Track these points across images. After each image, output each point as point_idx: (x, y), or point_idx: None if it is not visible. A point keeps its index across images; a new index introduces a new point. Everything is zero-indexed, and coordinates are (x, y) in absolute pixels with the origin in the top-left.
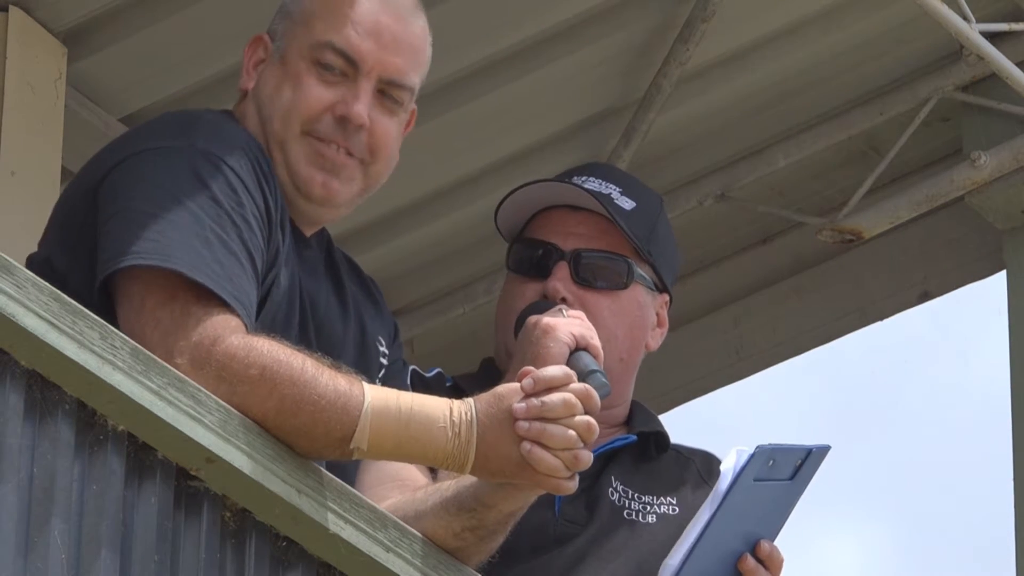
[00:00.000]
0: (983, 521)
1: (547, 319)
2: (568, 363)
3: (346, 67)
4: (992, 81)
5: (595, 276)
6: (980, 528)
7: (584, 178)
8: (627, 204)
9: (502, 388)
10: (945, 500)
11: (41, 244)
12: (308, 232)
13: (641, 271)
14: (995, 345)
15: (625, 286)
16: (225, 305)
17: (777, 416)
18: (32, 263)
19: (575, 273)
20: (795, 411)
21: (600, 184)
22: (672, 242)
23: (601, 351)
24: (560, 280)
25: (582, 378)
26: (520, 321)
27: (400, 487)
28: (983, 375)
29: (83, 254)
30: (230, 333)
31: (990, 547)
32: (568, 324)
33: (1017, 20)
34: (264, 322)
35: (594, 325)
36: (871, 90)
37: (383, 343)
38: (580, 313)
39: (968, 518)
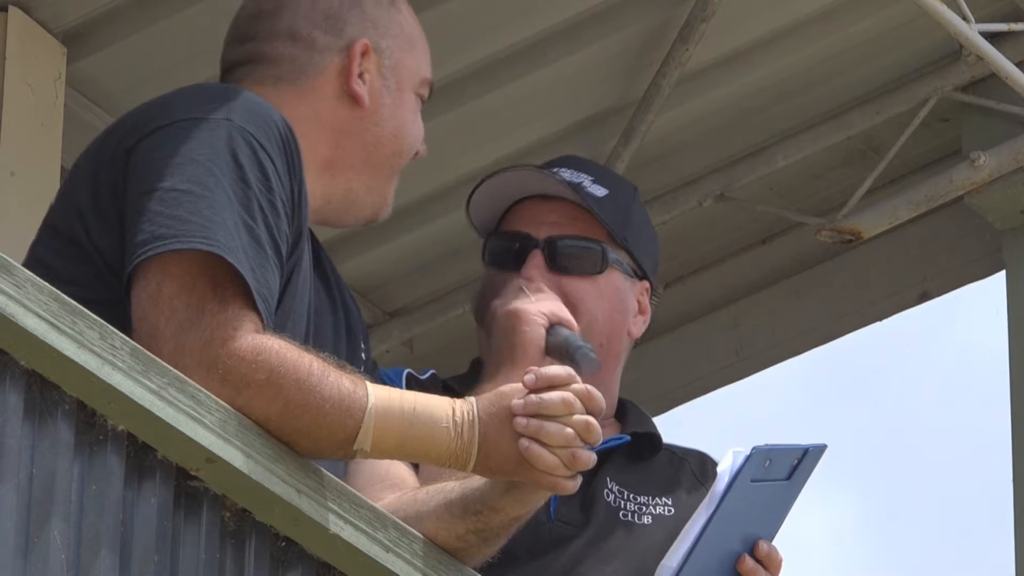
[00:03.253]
0: (964, 509)
1: (514, 304)
2: (548, 342)
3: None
4: (991, 81)
5: (570, 262)
6: (959, 515)
7: (556, 169)
8: (599, 191)
9: (505, 387)
10: (925, 484)
11: (64, 202)
12: None
13: (617, 256)
14: (993, 345)
15: (601, 271)
16: (243, 298)
17: (761, 390)
18: (56, 218)
19: (549, 260)
20: (781, 383)
21: (571, 173)
22: (650, 230)
23: (575, 323)
24: (535, 268)
25: (570, 354)
26: (480, 310)
27: (391, 487)
28: (980, 374)
29: (113, 217)
30: (242, 333)
31: (967, 531)
32: (537, 304)
33: (1016, 20)
34: (284, 308)
35: (573, 309)
36: (870, 90)
37: (363, 341)
38: (540, 285)
39: (950, 509)
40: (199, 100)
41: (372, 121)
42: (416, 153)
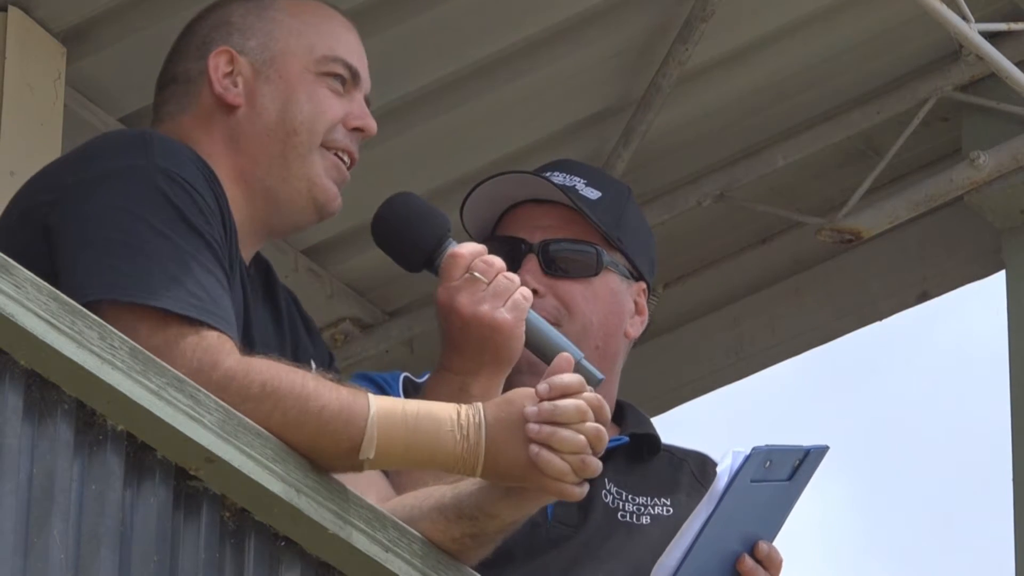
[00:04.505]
0: (959, 505)
1: (491, 316)
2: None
3: (349, 81)
4: (991, 81)
5: (564, 265)
6: (954, 509)
7: (549, 173)
8: (592, 194)
9: (512, 393)
10: (921, 480)
11: None
12: (247, 255)
13: (612, 258)
14: (993, 344)
15: (595, 273)
16: (216, 328)
17: (754, 378)
18: None
19: (544, 264)
20: (773, 372)
21: (564, 177)
22: (645, 231)
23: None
24: (529, 272)
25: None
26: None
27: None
28: (979, 373)
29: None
30: (226, 355)
31: (962, 526)
32: (507, 308)
33: (1016, 20)
34: None
35: (568, 313)
36: (870, 90)
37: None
38: (479, 250)
39: (945, 503)
40: (116, 148)
41: (254, 113)
42: (359, 130)
